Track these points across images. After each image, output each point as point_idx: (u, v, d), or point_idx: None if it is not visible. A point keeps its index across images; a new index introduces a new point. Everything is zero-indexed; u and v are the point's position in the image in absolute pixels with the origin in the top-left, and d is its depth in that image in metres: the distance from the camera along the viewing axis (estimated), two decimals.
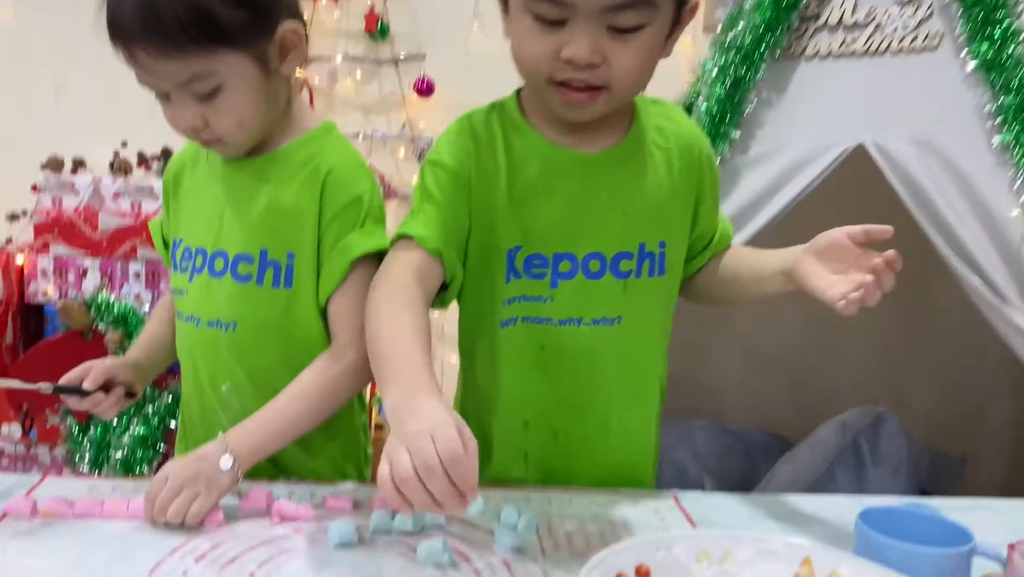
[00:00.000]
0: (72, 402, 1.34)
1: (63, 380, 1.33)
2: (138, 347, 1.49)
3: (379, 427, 2.79)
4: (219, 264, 1.33)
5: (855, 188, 2.05)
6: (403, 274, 1.19)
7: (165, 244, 1.46)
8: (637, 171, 1.30)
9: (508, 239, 1.28)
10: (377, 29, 3.09)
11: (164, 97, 1.25)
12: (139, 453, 2.20)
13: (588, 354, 1.33)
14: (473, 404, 1.39)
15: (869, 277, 1.13)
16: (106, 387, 1.36)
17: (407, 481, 0.88)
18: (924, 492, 2.25)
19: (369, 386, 1.47)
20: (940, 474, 2.27)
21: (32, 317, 2.66)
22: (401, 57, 3.03)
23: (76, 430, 2.32)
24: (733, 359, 2.68)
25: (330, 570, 1.07)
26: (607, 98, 1.20)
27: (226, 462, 1.17)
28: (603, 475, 1.37)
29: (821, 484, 2.04)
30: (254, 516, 1.20)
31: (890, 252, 1.14)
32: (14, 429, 2.46)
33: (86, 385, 1.32)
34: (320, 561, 1.09)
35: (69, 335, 2.42)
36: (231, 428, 1.23)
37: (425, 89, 3.00)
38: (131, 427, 2.21)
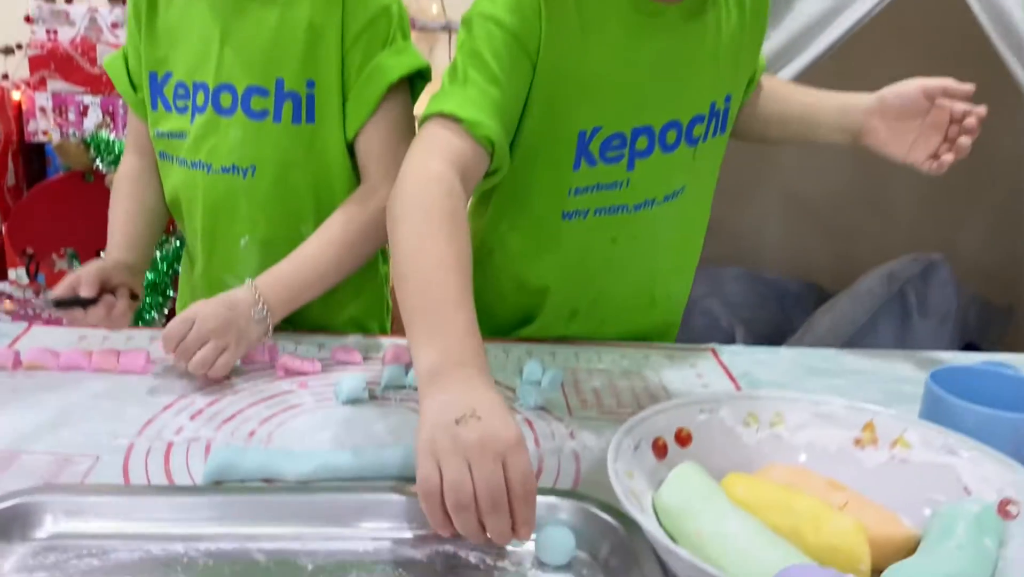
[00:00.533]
0: (79, 316, 1.15)
1: (57, 291, 1.15)
2: (121, 246, 1.26)
3: None
4: (226, 100, 1.17)
5: (916, 18, 1.85)
6: (443, 175, 0.92)
7: (133, 84, 1.27)
8: (715, 19, 1.10)
9: (583, 119, 1.07)
10: None
11: None
12: (147, 300, 2.11)
13: (653, 233, 1.19)
14: (496, 293, 1.24)
15: (965, 140, 1.06)
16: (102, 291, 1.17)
17: (464, 510, 0.71)
18: (970, 345, 2.15)
19: None
20: (986, 325, 2.16)
21: (34, 157, 2.54)
22: None
23: None
24: (770, 205, 2.54)
25: (337, 428, 0.98)
26: None
27: (259, 312, 1.06)
28: (632, 336, 1.26)
29: (862, 336, 1.94)
30: (256, 370, 1.11)
31: (981, 108, 1.06)
32: (21, 274, 2.38)
33: (83, 292, 1.14)
34: (327, 419, 1.00)
35: (70, 176, 2.30)
36: (263, 274, 1.11)
37: None
38: None
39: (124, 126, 2.46)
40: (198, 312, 1.03)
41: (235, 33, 1.16)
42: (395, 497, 0.82)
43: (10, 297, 2.42)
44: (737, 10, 1.12)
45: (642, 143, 1.10)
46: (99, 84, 2.45)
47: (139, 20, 1.23)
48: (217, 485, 0.86)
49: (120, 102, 2.43)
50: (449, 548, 0.79)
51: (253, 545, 0.79)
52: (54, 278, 2.38)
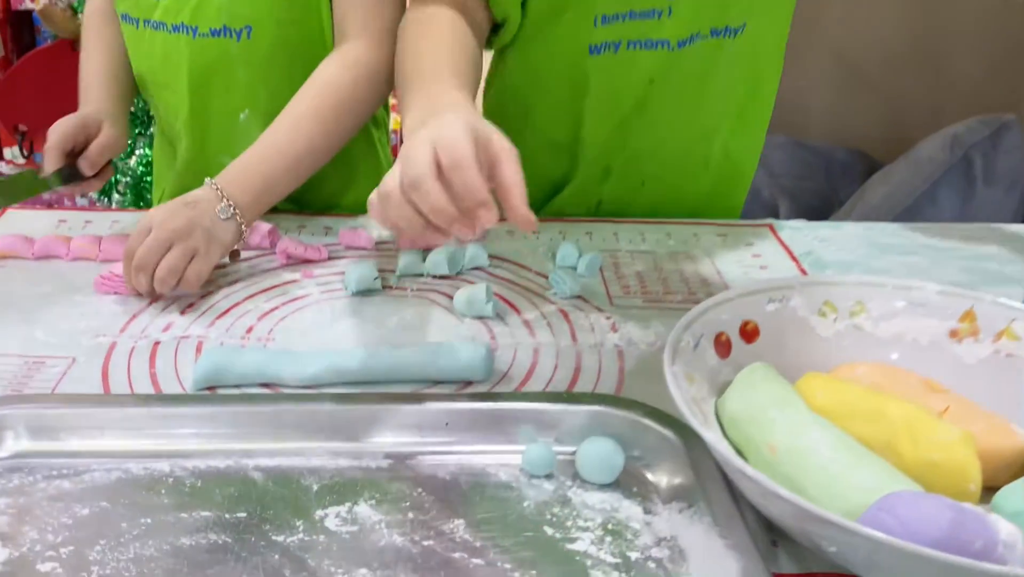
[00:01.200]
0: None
1: (49, 164, 0.99)
2: (106, 96, 1.07)
3: None
4: None
5: None
6: (444, 8, 0.92)
7: None
8: None
9: None
10: None
11: None
12: (148, 178, 1.97)
13: (702, 78, 1.03)
14: (527, 159, 1.08)
15: None
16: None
17: (388, 196, 0.63)
18: None
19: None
20: None
21: (23, 27, 2.37)
22: None
23: None
24: (817, 66, 2.34)
25: (347, 323, 0.86)
26: None
27: (225, 210, 0.89)
28: (687, 211, 1.12)
29: (920, 207, 1.78)
30: (254, 257, 0.98)
31: None
32: (16, 153, 2.25)
33: (86, 171, 1.01)
34: (335, 312, 0.88)
35: (58, 44, 2.13)
36: (221, 173, 0.93)
37: None
38: (137, 148, 1.96)
39: None
40: (153, 217, 0.87)
41: None
42: (412, 407, 0.70)
43: None
44: None
45: None
46: None
47: None
48: (209, 393, 0.74)
49: None
50: (476, 463, 0.68)
51: (249, 462, 0.68)
52: None
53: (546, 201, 1.12)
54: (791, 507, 0.54)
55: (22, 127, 2.17)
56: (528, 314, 0.88)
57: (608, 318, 0.87)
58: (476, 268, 0.97)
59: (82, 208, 1.07)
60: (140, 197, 1.95)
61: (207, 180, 0.91)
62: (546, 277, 0.95)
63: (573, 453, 0.68)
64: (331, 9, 1.01)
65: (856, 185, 2.14)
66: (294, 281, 0.94)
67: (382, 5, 0.98)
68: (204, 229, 0.87)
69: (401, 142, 0.68)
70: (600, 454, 0.66)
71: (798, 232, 1.08)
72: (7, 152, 2.26)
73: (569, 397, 0.71)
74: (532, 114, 1.07)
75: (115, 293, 0.89)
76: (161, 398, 0.73)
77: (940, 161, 1.77)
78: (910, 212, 1.79)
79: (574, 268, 0.96)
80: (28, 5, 2.29)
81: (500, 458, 0.68)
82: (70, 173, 1.00)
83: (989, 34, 2.08)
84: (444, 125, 0.63)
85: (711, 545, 0.60)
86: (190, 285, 0.87)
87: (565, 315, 0.88)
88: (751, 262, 1.00)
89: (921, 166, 1.79)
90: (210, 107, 1.08)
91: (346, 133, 0.99)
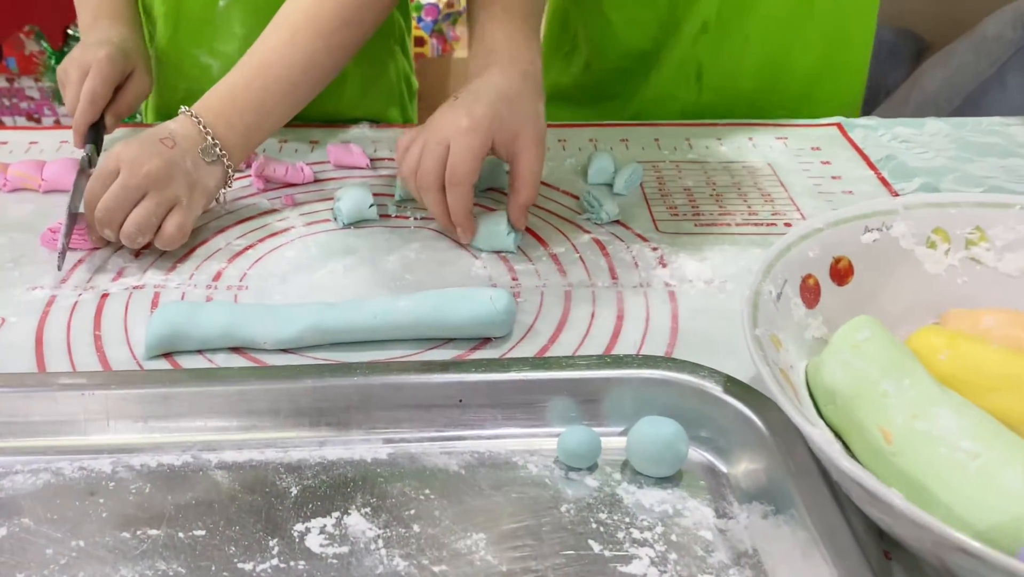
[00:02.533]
0: None
1: (76, 137, 0.82)
2: (122, 16, 0.89)
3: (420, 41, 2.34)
4: None
5: None
6: None
7: None
8: None
9: None
10: None
11: None
12: None
13: None
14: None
15: None
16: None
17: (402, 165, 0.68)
18: None
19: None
20: None
21: None
22: None
23: (54, 59, 1.91)
24: None
25: (336, 264, 0.71)
26: None
27: (209, 150, 0.71)
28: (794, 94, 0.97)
29: (987, 92, 1.59)
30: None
31: None
32: None
33: (109, 123, 0.84)
34: (321, 250, 0.72)
35: None
36: (204, 96, 0.75)
37: None
38: None
39: None
40: (121, 155, 0.70)
41: None
42: (416, 379, 0.55)
43: None
44: None
45: None
46: None
47: None
48: (160, 370, 0.60)
49: None
50: (499, 451, 0.53)
51: (211, 457, 0.53)
52: (26, 63, 2.07)
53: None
54: (922, 530, 0.40)
55: None
56: (557, 247, 0.72)
57: (654, 249, 0.71)
58: (492, 189, 0.81)
59: (26, 128, 0.89)
60: None
61: (183, 109, 0.73)
62: (576, 198, 0.79)
63: (621, 436, 0.53)
64: None
65: (904, 69, 1.93)
66: (272, 211, 0.78)
67: None
68: (185, 173, 0.70)
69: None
70: (658, 439, 0.51)
71: (872, 132, 0.90)
72: None
73: (615, 361, 0.55)
74: None
75: (71, 250, 0.73)
76: (99, 378, 0.57)
77: (1009, 41, 1.57)
78: (973, 99, 1.60)
79: (610, 185, 0.80)
80: None
81: (528, 444, 0.54)
82: (95, 137, 0.82)
83: None
84: (464, 131, 0.67)
85: (806, 562, 0.45)
86: (170, 242, 0.70)
87: (601, 246, 0.72)
88: (820, 171, 0.83)
89: (988, 46, 1.59)
90: None
91: (352, 46, 0.79)
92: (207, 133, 0.72)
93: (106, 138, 0.84)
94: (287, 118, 0.77)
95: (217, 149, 0.72)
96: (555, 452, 0.53)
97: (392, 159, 0.85)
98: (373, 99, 0.96)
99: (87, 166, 0.79)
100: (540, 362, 0.56)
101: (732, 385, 0.53)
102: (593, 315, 0.64)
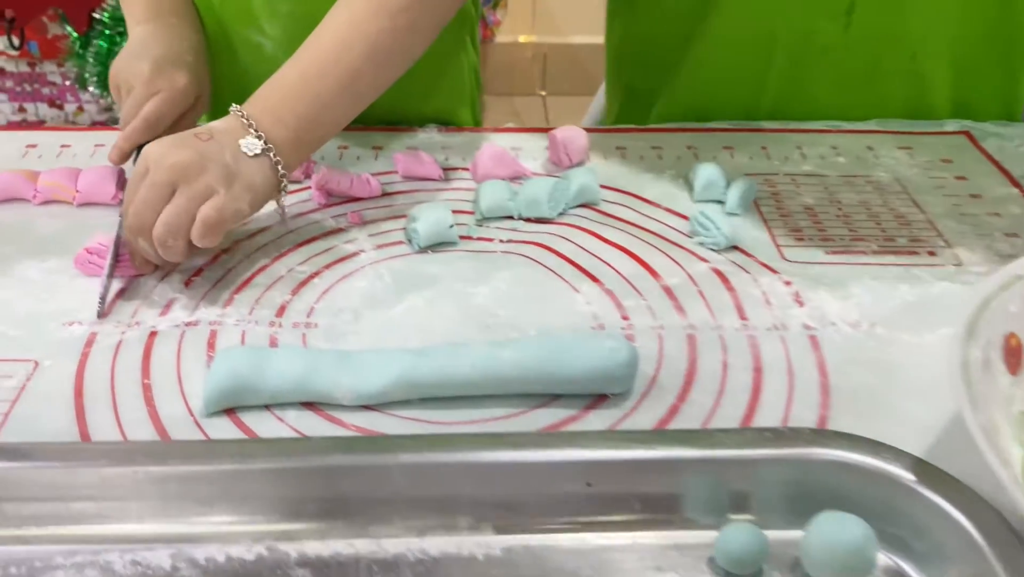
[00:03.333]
0: None
1: (116, 155, 0.70)
2: (179, 26, 0.77)
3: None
4: None
5: None
6: None
7: None
8: None
9: None
10: None
11: None
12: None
13: None
14: None
15: None
16: None
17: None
18: None
19: None
20: None
21: None
22: None
23: (78, 43, 1.82)
24: None
25: (416, 297, 0.61)
26: None
27: (253, 144, 0.61)
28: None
29: None
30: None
31: None
32: (6, 43, 1.97)
33: None
34: (397, 279, 0.63)
35: None
36: (254, 96, 0.65)
37: None
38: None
39: None
40: (148, 154, 0.60)
41: None
42: (535, 455, 0.46)
43: (2, 71, 2.03)
44: None
45: None
46: None
47: None
48: (229, 440, 0.50)
49: None
50: (640, 548, 0.44)
51: (290, 550, 0.44)
52: (49, 47, 1.98)
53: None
54: None
55: (9, 13, 1.88)
56: (670, 277, 0.62)
57: (787, 283, 0.62)
58: (584, 205, 0.71)
59: (57, 128, 0.80)
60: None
61: (233, 107, 0.63)
62: (683, 217, 0.69)
63: (785, 530, 0.44)
64: None
65: None
66: (338, 231, 0.68)
67: None
68: (222, 165, 0.60)
69: None
70: (843, 542, 0.42)
71: (1007, 142, 0.80)
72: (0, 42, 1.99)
73: (777, 437, 0.46)
74: None
75: (114, 278, 0.63)
76: (155, 451, 0.48)
77: None
78: None
79: (720, 203, 0.70)
80: None
81: (675, 538, 0.44)
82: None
83: None
84: None
85: None
86: (206, 231, 0.58)
87: (723, 278, 0.62)
88: (955, 188, 0.73)
89: None
90: None
91: (423, 30, 0.69)
92: (250, 125, 0.62)
93: None
94: (348, 116, 0.67)
95: (262, 142, 0.62)
96: (709, 551, 0.44)
97: (467, 168, 0.76)
98: (442, 97, 0.86)
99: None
100: (684, 436, 0.47)
101: (925, 471, 0.43)
102: (725, 365, 0.55)
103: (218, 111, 0.67)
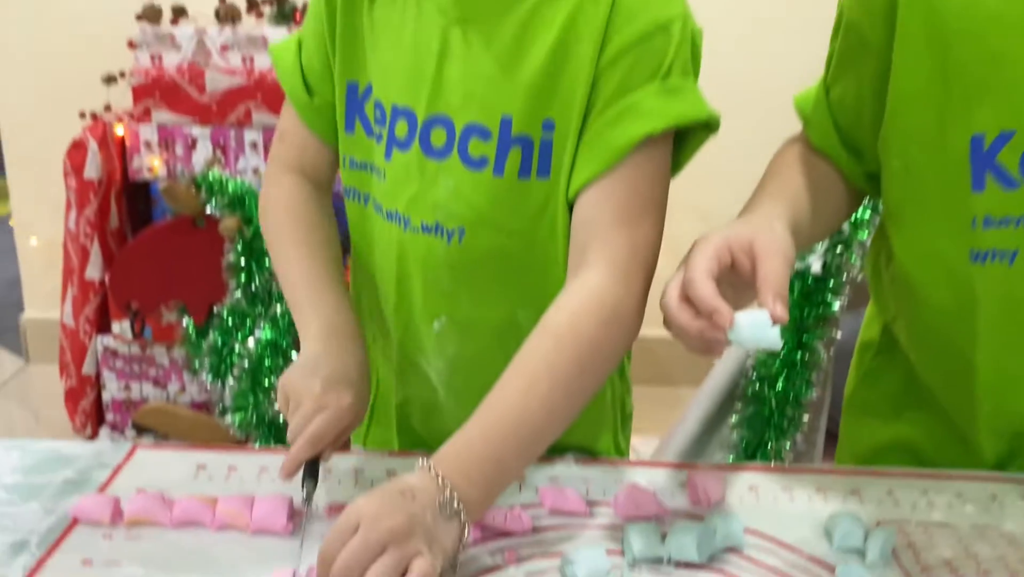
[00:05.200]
0: None
1: (287, 469, 0.77)
2: (345, 342, 0.86)
3: None
4: (439, 138, 0.84)
5: None
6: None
7: (308, 86, 0.92)
8: None
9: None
10: None
11: None
12: (267, 361, 1.82)
13: None
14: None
15: None
16: None
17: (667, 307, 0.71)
18: None
19: None
20: None
21: (139, 196, 2.29)
22: None
23: (194, 333, 1.96)
24: None
25: None
26: None
27: (447, 506, 0.68)
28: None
29: None
30: None
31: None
32: (125, 327, 2.13)
33: (328, 455, 0.81)
34: None
35: (179, 221, 2.02)
36: (441, 448, 0.73)
37: None
38: (256, 330, 1.82)
39: (237, 160, 2.20)
40: (362, 510, 0.66)
41: (462, 51, 0.83)
42: None
43: (114, 354, 2.18)
44: None
45: None
46: (208, 114, 2.19)
47: (333, 17, 0.89)
48: None
49: (234, 133, 2.17)
50: None
51: None
52: (162, 333, 2.13)
53: None
54: None
55: (134, 304, 2.05)
56: None
57: None
58: (730, 550, 0.75)
59: (223, 448, 0.88)
60: (257, 383, 1.79)
61: (421, 460, 0.71)
62: (829, 568, 0.72)
63: None
64: (568, 224, 0.84)
65: None
66: (495, 568, 0.73)
67: (635, 226, 0.80)
68: (426, 529, 0.66)
69: None
70: None
71: None
72: (115, 326, 2.15)
73: None
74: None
75: None
76: None
77: None
78: None
79: (860, 552, 0.74)
80: (146, 176, 2.21)
81: None
82: (311, 469, 0.80)
83: None
84: (694, 249, 0.71)
85: None
86: None
87: None
88: None
89: None
90: (408, 302, 0.91)
91: (590, 392, 0.78)
92: (445, 485, 0.68)
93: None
94: (526, 467, 0.75)
95: (455, 503, 0.68)
96: None
97: (609, 504, 0.81)
98: (583, 426, 0.92)
99: (305, 502, 0.76)
100: None
101: None
102: None
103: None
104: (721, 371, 1.64)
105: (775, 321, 0.66)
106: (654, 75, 0.79)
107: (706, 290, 0.67)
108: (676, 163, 0.85)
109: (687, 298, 0.69)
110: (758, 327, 0.67)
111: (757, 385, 1.53)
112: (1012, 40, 0.73)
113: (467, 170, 0.83)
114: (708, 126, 0.82)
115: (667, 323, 0.71)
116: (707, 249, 0.70)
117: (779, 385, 1.52)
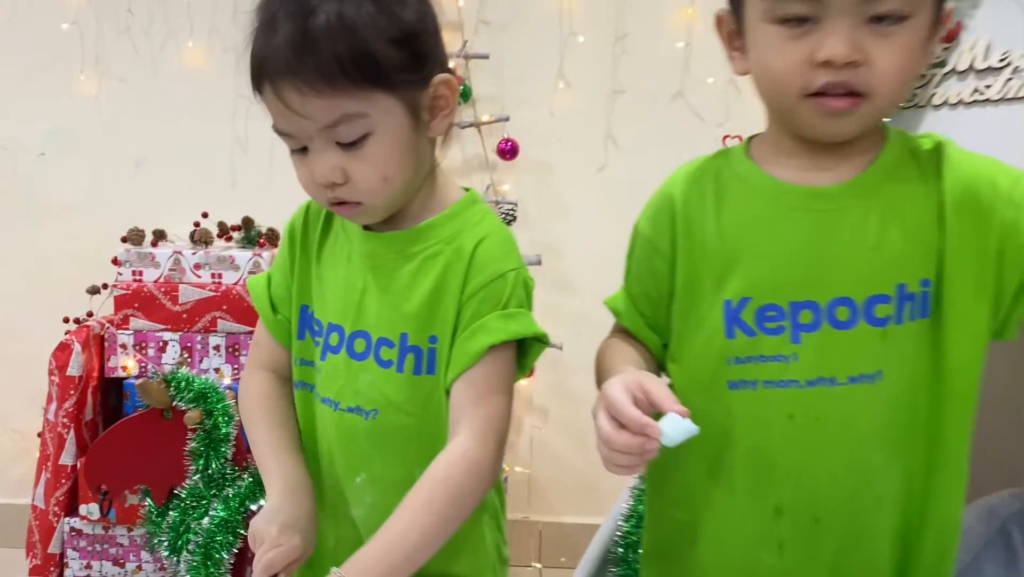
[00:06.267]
0: None
1: None
2: (292, 488, 1.22)
3: None
4: (360, 346, 1.22)
5: None
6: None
7: (274, 306, 1.31)
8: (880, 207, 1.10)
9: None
10: (459, 93, 2.98)
11: (301, 151, 1.14)
12: (219, 538, 2.07)
13: (848, 420, 1.12)
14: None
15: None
16: None
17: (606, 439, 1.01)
18: None
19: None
20: None
21: (112, 391, 2.60)
22: (484, 120, 2.92)
23: (155, 513, 2.21)
24: None
25: None
26: (868, 108, 1.03)
27: None
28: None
29: None
30: None
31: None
32: (94, 510, 2.38)
33: None
34: None
35: (149, 413, 2.33)
36: (348, 561, 1.07)
37: (509, 150, 2.88)
38: (210, 510, 2.09)
39: (200, 360, 2.53)
40: None
41: (377, 286, 1.22)
42: None
43: (79, 533, 2.41)
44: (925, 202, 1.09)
45: (805, 317, 1.10)
46: (179, 321, 2.52)
47: (292, 245, 1.29)
48: None
49: (199, 338, 2.50)
50: None
51: None
52: (125, 514, 2.37)
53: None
54: None
55: (104, 487, 2.31)
56: None
57: None
58: None
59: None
60: (208, 557, 2.04)
61: (333, 570, 1.03)
62: None
63: None
64: (447, 406, 1.19)
65: None
66: None
67: (488, 404, 1.15)
68: None
69: None
70: None
71: None
72: (83, 509, 2.39)
73: None
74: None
75: None
76: None
77: (979, 533, 1.83)
78: None
79: None
80: (120, 373, 2.52)
81: None
82: None
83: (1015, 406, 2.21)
84: (606, 392, 1.01)
85: None
86: None
87: None
88: None
89: (963, 538, 1.85)
90: (336, 466, 1.25)
91: (457, 522, 1.12)
92: None
93: None
94: (413, 572, 1.08)
95: None
96: None
97: None
98: (464, 561, 1.24)
99: None
100: None
101: None
102: None
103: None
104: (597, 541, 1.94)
105: (682, 416, 0.97)
106: (496, 306, 1.17)
107: (634, 413, 0.96)
108: (523, 365, 1.22)
109: (620, 425, 0.97)
110: (677, 425, 0.97)
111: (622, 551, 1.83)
112: (747, 237, 1.13)
113: (379, 368, 1.20)
114: (541, 340, 1.19)
115: (605, 446, 0.99)
116: (618, 389, 0.99)
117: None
